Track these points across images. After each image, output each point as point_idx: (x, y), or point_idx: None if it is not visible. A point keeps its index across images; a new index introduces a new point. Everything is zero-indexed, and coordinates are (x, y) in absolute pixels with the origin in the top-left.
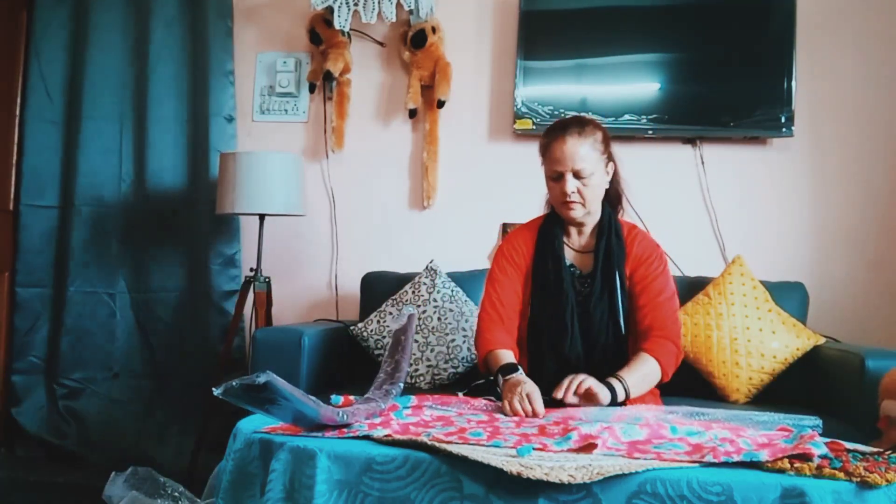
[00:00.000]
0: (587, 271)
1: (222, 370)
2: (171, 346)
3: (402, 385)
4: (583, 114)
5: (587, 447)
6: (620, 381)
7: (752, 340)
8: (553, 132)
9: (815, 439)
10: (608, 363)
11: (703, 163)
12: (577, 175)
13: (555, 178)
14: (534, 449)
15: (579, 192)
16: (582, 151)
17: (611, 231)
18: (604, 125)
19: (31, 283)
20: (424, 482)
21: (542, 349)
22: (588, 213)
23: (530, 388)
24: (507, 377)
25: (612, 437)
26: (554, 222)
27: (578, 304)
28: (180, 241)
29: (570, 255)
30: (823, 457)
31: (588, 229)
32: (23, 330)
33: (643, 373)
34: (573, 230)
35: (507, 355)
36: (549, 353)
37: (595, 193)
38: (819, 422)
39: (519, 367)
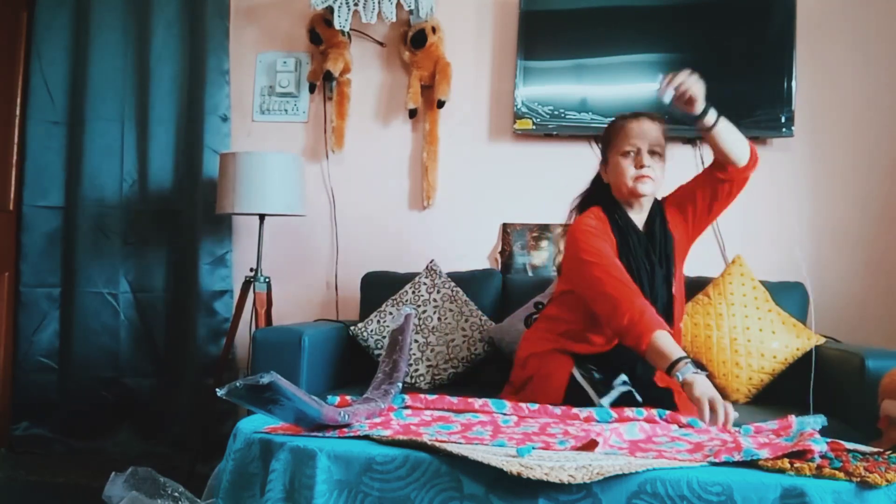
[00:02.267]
0: None
1: (220, 371)
2: (159, 346)
3: (400, 385)
4: None
5: (589, 445)
6: (716, 112)
7: (752, 340)
8: (625, 117)
9: (815, 436)
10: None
11: (703, 163)
12: (651, 153)
13: (629, 153)
14: (536, 447)
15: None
16: (656, 134)
17: (662, 213)
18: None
19: (35, 284)
20: (424, 482)
21: None
22: (653, 193)
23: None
24: (699, 372)
25: (614, 434)
26: (616, 208)
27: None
28: (173, 240)
29: None
30: (823, 456)
31: (644, 215)
32: (27, 330)
33: (734, 128)
34: (631, 213)
35: (675, 343)
36: None
37: (661, 177)
38: (823, 418)
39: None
